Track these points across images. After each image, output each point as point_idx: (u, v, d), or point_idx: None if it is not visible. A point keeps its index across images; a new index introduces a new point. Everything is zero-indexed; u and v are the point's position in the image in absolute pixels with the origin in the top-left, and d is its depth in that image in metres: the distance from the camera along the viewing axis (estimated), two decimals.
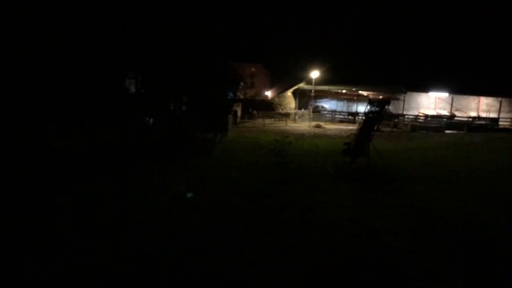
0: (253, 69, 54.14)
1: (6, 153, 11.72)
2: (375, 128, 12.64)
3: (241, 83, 39.12)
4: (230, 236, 6.71)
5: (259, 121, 35.94)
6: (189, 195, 9.53)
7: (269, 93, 51.85)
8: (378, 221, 7.65)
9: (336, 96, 44.06)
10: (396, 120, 35.08)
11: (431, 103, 42.33)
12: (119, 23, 15.76)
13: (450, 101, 39.36)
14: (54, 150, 14.36)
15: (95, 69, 16.03)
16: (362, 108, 42.94)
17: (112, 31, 15.73)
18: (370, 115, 12.76)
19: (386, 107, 12.26)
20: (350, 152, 13.98)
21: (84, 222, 7.31)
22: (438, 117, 36.60)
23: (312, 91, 40.03)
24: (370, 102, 12.64)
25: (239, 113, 36.89)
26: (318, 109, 41.85)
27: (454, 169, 13.55)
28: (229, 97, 30.38)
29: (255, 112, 37.57)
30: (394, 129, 32.34)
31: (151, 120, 23.36)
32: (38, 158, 12.76)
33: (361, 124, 14.03)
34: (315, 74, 38.44)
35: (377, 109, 12.47)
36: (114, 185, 10.45)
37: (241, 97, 36.74)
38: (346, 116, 39.90)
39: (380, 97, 41.05)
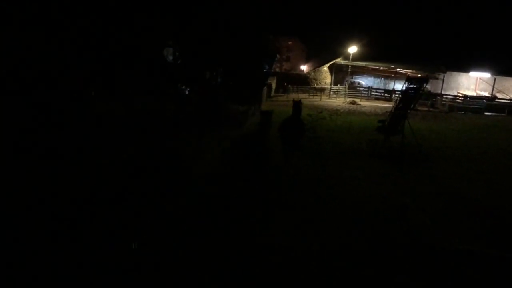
0: (289, 43, 53.09)
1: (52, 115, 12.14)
2: (412, 106, 12.50)
3: (277, 56, 38.83)
4: (259, 208, 7.00)
5: (293, 95, 35.77)
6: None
7: (304, 68, 51.05)
8: (407, 198, 7.76)
9: (373, 73, 43.05)
10: (434, 99, 34.09)
11: (472, 83, 40.79)
12: None
13: (492, 82, 37.79)
14: (96, 115, 14.92)
15: (133, 37, 16.30)
16: (399, 86, 41.79)
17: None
18: (408, 92, 12.58)
19: (425, 85, 12.05)
20: (384, 130, 13.87)
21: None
22: (478, 98, 35.29)
23: (349, 66, 39.30)
24: (409, 79, 12.46)
25: (273, 87, 36.78)
26: (354, 85, 41.10)
27: (489, 152, 13.31)
28: (264, 70, 30.29)
29: (289, 86, 37.32)
30: (431, 109, 31.53)
31: (187, 89, 23.73)
32: (81, 121, 13.26)
33: (397, 102, 13.85)
34: (352, 49, 37.63)
35: (415, 86, 12.29)
36: (148, 156, 10.80)
37: (277, 70, 36.53)
38: (382, 94, 39.04)
39: (419, 75, 39.93)
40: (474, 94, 38.25)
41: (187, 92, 23.75)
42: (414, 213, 6.89)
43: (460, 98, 35.12)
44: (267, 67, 31.39)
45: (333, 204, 7.30)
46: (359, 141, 14.41)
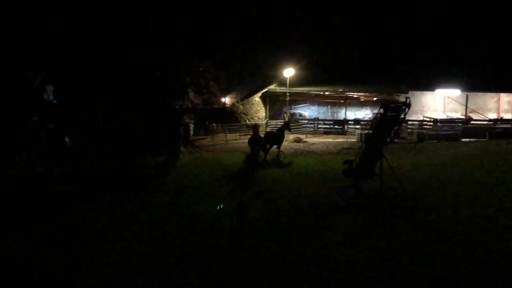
0: (201, 69, 52.75)
1: None
2: (389, 140, 12.55)
3: (191, 88, 38.60)
4: None
5: (219, 137, 35.53)
6: None
7: (227, 100, 51.05)
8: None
9: (317, 100, 44.39)
10: (397, 128, 35.47)
11: (439, 104, 43.37)
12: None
13: (463, 100, 40.39)
14: None
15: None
16: (351, 114, 43.46)
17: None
18: (383, 123, 12.64)
19: (406, 111, 12.18)
20: (354, 173, 13.76)
21: None
22: (450, 121, 37.41)
23: (287, 94, 40.04)
24: (384, 106, 12.56)
25: (191, 128, 36.19)
26: (295, 118, 41.93)
27: (489, 190, 13.56)
28: (177, 106, 29.82)
29: (213, 125, 37.00)
30: (396, 140, 32.57)
31: (72, 141, 22.53)
32: None
33: (367, 136, 13.93)
34: (289, 72, 38.56)
35: (393, 114, 12.38)
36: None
37: (200, 105, 36.11)
38: (332, 126, 40.18)
39: (374, 98, 41.66)
40: (444, 116, 40.58)
41: (73, 144, 22.57)
42: None
43: (429, 123, 36.93)
44: (180, 102, 31.00)
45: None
46: (324, 191, 14.13)
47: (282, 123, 21.92)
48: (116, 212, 12.03)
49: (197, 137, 36.31)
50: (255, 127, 18.01)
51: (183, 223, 10.69)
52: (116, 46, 20.22)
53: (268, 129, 38.48)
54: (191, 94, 39.18)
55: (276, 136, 22.97)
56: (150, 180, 16.59)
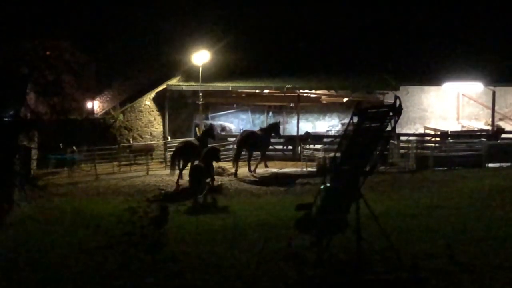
0: (48, 52, 51.58)
1: None
2: (371, 167, 12.83)
3: (31, 87, 37.98)
4: None
5: (84, 171, 35.14)
6: None
7: (96, 105, 50.36)
8: None
9: (252, 104, 44.66)
10: (382, 148, 36.10)
11: (450, 107, 44.31)
12: None
13: (488, 100, 41.34)
14: None
15: None
16: (307, 126, 43.96)
17: None
18: (358, 139, 12.94)
19: (396, 120, 12.51)
20: (313, 225, 13.95)
21: None
22: (468, 135, 38.35)
23: (200, 94, 40.06)
24: (360, 112, 12.85)
25: (34, 156, 35.40)
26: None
27: None
28: (6, 119, 29.52)
29: (74, 149, 36.43)
30: (382, 168, 33.03)
31: None
32: None
33: (334, 162, 14.19)
34: (202, 57, 38.53)
35: (374, 124, 12.67)
36: None
37: (48, 115, 35.26)
38: (276, 146, 40.43)
39: (344, 99, 42.44)
40: (458, 127, 41.54)
41: None
42: None
43: (434, 139, 37.73)
44: (12, 111, 30.61)
45: None
46: (264, 258, 14.21)
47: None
48: None
49: (44, 171, 35.76)
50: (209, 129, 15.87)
51: None
52: None
53: (169, 152, 38.47)
54: (31, 97, 38.42)
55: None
56: None
